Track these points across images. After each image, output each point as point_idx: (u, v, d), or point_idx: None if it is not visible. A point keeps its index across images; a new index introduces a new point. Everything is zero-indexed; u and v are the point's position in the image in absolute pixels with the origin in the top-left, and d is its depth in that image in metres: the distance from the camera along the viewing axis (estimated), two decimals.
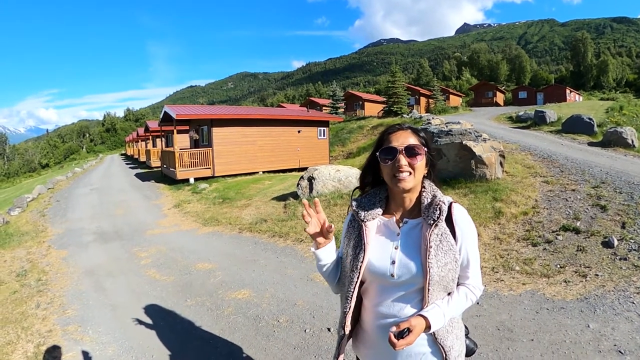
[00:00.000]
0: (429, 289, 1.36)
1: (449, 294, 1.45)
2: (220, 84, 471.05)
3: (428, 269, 1.34)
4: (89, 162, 42.73)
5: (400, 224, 1.48)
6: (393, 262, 1.41)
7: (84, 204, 12.73)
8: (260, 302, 4.59)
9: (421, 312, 1.35)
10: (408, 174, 1.40)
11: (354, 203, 1.56)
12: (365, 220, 1.49)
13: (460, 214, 1.45)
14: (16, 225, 9.83)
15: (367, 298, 1.52)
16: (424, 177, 1.50)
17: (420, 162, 1.43)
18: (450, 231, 1.41)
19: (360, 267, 1.45)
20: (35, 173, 61.98)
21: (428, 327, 1.33)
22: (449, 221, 1.42)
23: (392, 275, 1.41)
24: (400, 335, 1.28)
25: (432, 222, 1.39)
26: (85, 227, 9.39)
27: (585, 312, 3.82)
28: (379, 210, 1.51)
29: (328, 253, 1.54)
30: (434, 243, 1.37)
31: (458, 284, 1.48)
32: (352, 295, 1.48)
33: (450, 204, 1.45)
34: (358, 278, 1.46)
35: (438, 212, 1.39)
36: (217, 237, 7.82)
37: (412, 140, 1.44)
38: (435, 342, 1.42)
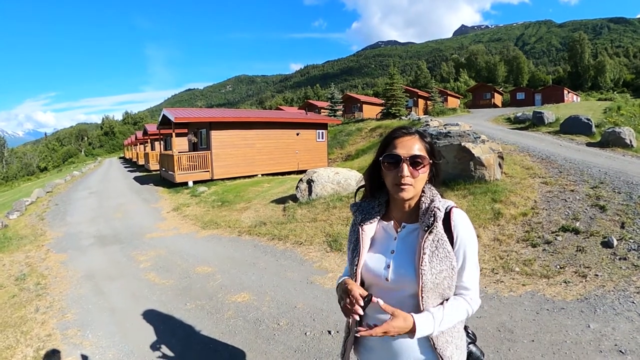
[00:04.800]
0: (422, 296, 1.34)
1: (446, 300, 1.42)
2: (219, 87, 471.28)
3: (421, 276, 1.33)
4: (88, 166, 42.72)
5: (398, 229, 1.47)
6: (388, 266, 1.42)
7: (82, 208, 12.71)
8: (260, 305, 4.58)
9: (413, 314, 1.32)
10: (410, 184, 1.38)
11: (353, 207, 1.57)
12: (363, 223, 1.50)
13: (460, 220, 1.40)
14: (15, 229, 9.81)
15: None
16: (426, 181, 1.47)
17: (423, 173, 1.40)
18: (448, 237, 1.38)
19: (356, 269, 1.47)
20: (33, 176, 61.83)
21: (413, 331, 1.29)
22: (448, 227, 1.39)
23: (387, 279, 1.41)
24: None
25: (426, 228, 1.37)
26: (84, 230, 9.37)
27: (585, 313, 3.82)
28: (378, 214, 1.51)
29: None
30: (429, 250, 1.35)
31: (455, 294, 1.43)
32: None
33: (450, 209, 1.41)
34: (356, 280, 1.47)
35: (432, 218, 1.37)
36: (217, 240, 7.81)
37: (418, 148, 1.40)
38: (434, 351, 1.39)
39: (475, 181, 7.98)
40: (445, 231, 1.38)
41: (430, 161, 1.42)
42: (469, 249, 1.39)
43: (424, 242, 1.35)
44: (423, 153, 1.40)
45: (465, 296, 1.42)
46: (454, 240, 1.38)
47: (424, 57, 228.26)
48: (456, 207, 1.44)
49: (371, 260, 1.46)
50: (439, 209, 1.38)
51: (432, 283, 1.34)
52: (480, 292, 1.46)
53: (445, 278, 1.36)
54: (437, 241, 1.36)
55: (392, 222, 1.49)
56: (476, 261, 1.43)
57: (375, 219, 1.51)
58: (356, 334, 1.35)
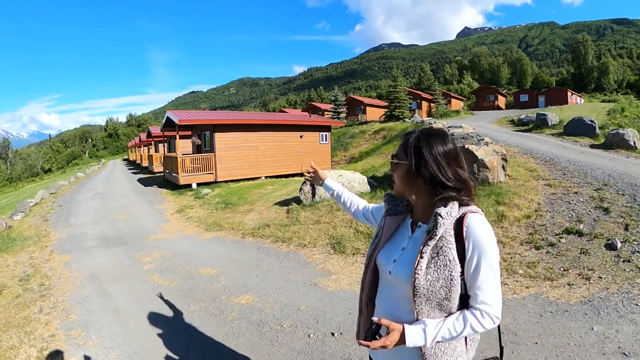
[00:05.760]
0: (415, 300, 1.32)
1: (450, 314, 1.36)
2: (222, 90, 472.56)
3: (414, 279, 1.32)
4: (92, 167, 42.86)
5: (415, 227, 1.48)
6: (394, 261, 1.44)
7: (86, 209, 12.77)
8: (263, 307, 4.59)
9: (405, 324, 1.31)
10: (394, 181, 1.49)
11: (385, 197, 1.63)
12: (388, 215, 1.56)
13: (473, 226, 1.31)
14: (19, 230, 9.86)
15: (378, 288, 1.57)
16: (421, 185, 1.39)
17: (397, 172, 1.46)
18: (458, 245, 1.32)
19: (372, 255, 1.54)
20: (37, 178, 62.15)
21: (403, 341, 1.29)
22: (460, 234, 1.32)
23: (390, 273, 1.44)
24: (376, 333, 1.31)
25: (426, 233, 1.35)
26: (88, 232, 9.41)
27: (589, 315, 3.81)
28: (404, 208, 1.54)
29: (329, 185, 2.16)
30: (428, 255, 1.32)
31: (469, 307, 1.34)
32: (363, 280, 1.60)
33: (464, 215, 1.34)
34: (368, 266, 1.56)
35: (432, 224, 1.33)
36: (220, 242, 7.83)
37: (397, 149, 1.48)
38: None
39: (479, 183, 7.96)
40: (456, 238, 1.32)
41: (405, 162, 1.41)
42: (483, 257, 1.29)
43: (424, 246, 1.33)
44: (399, 153, 1.46)
45: (475, 310, 1.31)
46: (465, 248, 1.31)
47: (428, 60, 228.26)
48: (473, 212, 1.36)
49: (385, 251, 1.50)
50: (440, 215, 1.31)
51: (425, 289, 1.30)
52: (491, 320, 1.31)
53: (442, 288, 1.30)
54: (440, 248, 1.32)
55: (411, 220, 1.52)
56: (493, 271, 1.30)
57: (402, 213, 1.54)
58: (360, 342, 1.36)
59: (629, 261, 4.74)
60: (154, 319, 4.46)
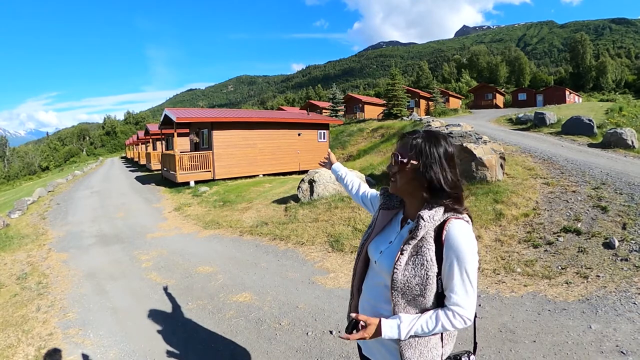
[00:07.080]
0: (392, 292, 1.40)
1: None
2: (220, 87, 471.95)
3: (393, 272, 1.39)
4: (89, 165, 42.75)
5: (404, 224, 1.54)
6: (381, 252, 1.52)
7: (84, 207, 12.73)
8: (261, 305, 4.58)
9: (382, 318, 1.41)
10: (393, 180, 1.50)
11: (381, 190, 1.70)
12: (382, 208, 1.64)
13: (452, 232, 1.35)
14: (16, 228, 9.82)
15: (366, 275, 1.66)
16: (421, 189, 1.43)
17: (398, 170, 1.46)
18: (437, 247, 1.36)
19: (364, 244, 1.64)
20: (35, 176, 61.99)
21: (379, 332, 1.39)
22: (439, 238, 1.36)
23: (375, 262, 1.54)
24: (354, 327, 1.40)
25: (408, 232, 1.42)
26: (85, 230, 9.38)
27: (587, 313, 3.82)
28: (397, 203, 1.60)
29: (336, 168, 2.29)
30: (407, 253, 1.39)
31: (444, 306, 1.39)
32: (355, 267, 1.69)
33: (446, 220, 1.38)
34: (360, 254, 1.66)
35: (415, 225, 1.39)
36: (218, 240, 7.81)
37: (402, 146, 1.48)
38: (397, 346, 1.45)
39: (477, 182, 7.98)
40: (436, 241, 1.37)
41: (412, 161, 1.42)
42: (458, 262, 1.33)
43: (405, 244, 1.40)
44: (405, 152, 1.45)
45: (448, 311, 1.37)
46: (443, 253, 1.36)
47: (426, 58, 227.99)
48: (458, 218, 1.39)
49: (375, 242, 1.59)
50: (422, 218, 1.36)
51: (401, 284, 1.38)
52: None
53: (418, 285, 1.36)
54: (420, 248, 1.38)
55: (403, 216, 1.58)
56: (468, 276, 1.34)
57: (395, 208, 1.60)
58: (341, 336, 1.45)
59: (626, 260, 4.75)
60: (152, 317, 4.45)
